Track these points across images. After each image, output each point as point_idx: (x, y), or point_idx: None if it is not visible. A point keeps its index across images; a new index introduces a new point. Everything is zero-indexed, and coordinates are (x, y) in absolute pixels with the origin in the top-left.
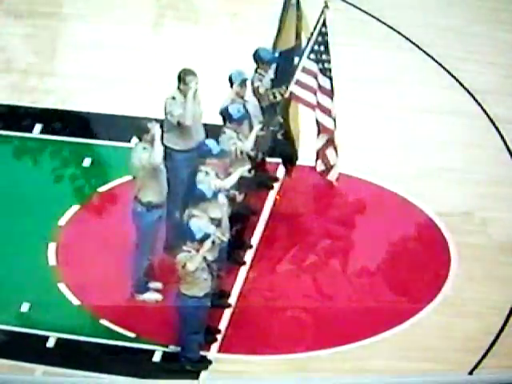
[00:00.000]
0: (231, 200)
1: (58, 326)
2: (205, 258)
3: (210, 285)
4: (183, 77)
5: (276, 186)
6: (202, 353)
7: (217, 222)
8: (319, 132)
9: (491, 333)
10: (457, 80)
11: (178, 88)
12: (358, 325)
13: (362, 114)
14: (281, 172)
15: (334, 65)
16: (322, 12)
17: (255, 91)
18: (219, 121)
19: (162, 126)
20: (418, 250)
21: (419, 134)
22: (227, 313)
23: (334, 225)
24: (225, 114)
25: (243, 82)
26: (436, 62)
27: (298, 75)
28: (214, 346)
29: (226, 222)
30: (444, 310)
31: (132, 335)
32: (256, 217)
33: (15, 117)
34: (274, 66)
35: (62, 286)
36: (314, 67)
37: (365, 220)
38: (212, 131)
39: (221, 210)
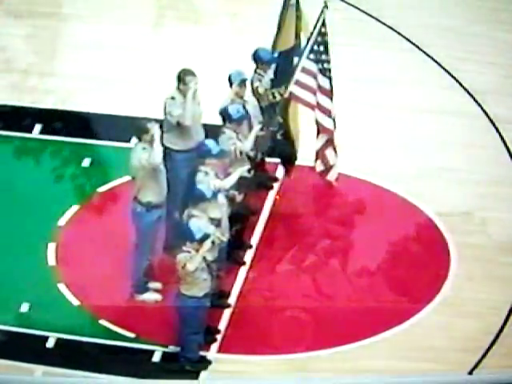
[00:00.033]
0: (231, 200)
1: (58, 326)
2: (204, 258)
3: (210, 285)
4: (183, 77)
5: (275, 186)
6: (202, 353)
7: (216, 222)
8: (319, 132)
9: (491, 333)
10: (457, 80)
11: (178, 88)
12: (357, 325)
13: (361, 114)
14: (280, 172)
15: (334, 65)
16: (322, 12)
17: (255, 91)
18: (219, 121)
19: (161, 126)
20: (418, 250)
21: (419, 134)
22: (227, 313)
23: (334, 225)
24: (224, 114)
25: (243, 82)
26: (436, 62)
27: (298, 75)
28: (214, 346)
29: (225, 222)
30: (444, 310)
31: (132, 335)
32: (255, 217)
33: (15, 117)
34: (273, 66)
35: (61, 286)
36: (314, 67)
37: (364, 220)
38: (211, 131)
39: (220, 210)
